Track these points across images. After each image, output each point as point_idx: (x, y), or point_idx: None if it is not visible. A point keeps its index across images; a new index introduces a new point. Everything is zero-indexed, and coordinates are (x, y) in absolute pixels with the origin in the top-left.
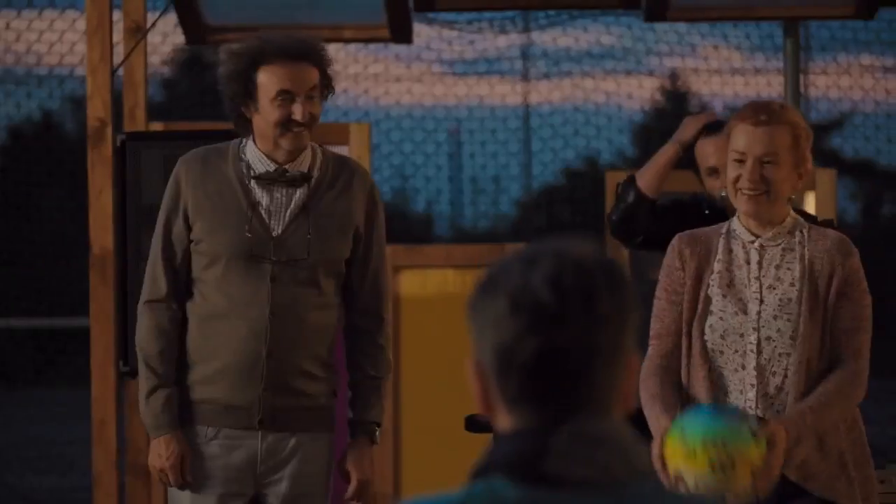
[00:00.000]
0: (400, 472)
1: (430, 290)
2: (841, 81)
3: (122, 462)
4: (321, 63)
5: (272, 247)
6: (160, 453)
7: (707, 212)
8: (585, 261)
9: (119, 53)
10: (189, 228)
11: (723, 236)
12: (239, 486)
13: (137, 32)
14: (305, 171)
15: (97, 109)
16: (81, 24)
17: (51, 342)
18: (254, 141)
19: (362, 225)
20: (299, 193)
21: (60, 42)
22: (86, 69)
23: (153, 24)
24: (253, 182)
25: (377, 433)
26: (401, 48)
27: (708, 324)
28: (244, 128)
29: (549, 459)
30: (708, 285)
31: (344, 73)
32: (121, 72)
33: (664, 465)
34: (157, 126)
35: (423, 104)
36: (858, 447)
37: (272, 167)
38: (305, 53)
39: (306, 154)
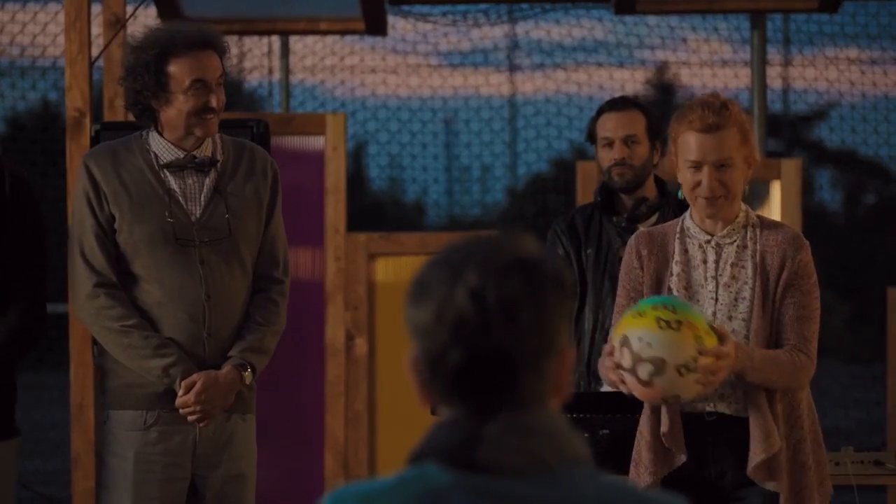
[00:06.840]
0: (374, 456)
1: (405, 278)
2: (825, 74)
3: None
4: (223, 51)
5: (195, 230)
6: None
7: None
8: (510, 267)
9: (100, 45)
10: (113, 217)
11: (677, 237)
12: (178, 470)
13: (117, 24)
14: (211, 155)
15: (76, 100)
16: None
17: None
18: (158, 132)
19: (267, 202)
20: (209, 178)
21: (43, 34)
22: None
23: (132, 16)
24: (164, 170)
25: (247, 372)
26: (376, 40)
27: None
28: (148, 119)
29: (481, 447)
30: (668, 288)
31: (320, 65)
32: (102, 63)
33: (613, 351)
34: None
35: (399, 95)
36: (813, 433)
37: (180, 154)
38: (210, 42)
39: (208, 140)
